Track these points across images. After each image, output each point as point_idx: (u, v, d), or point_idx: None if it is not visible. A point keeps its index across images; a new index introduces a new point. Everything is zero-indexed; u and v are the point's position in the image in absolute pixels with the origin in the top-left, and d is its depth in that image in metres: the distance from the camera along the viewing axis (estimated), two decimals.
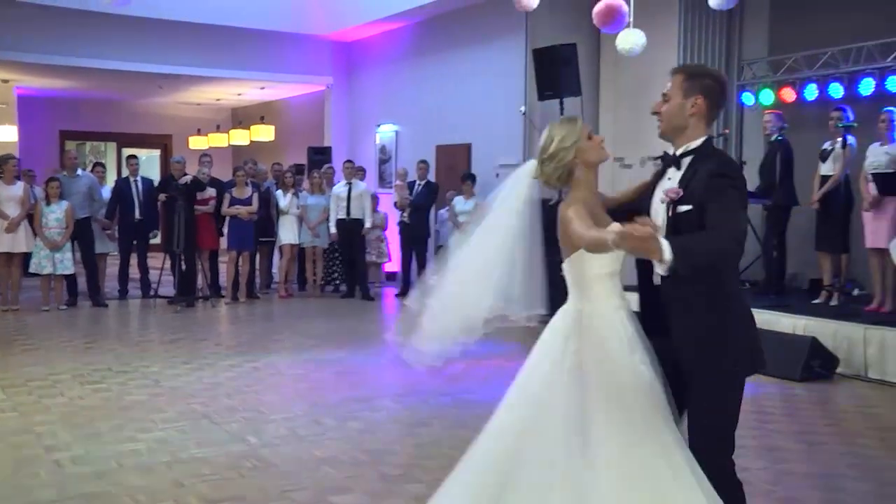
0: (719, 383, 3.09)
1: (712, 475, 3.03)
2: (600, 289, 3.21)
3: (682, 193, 3.07)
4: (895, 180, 7.79)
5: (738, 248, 2.99)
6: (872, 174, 7.97)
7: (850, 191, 8.43)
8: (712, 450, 3.09)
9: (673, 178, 3.15)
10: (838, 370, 7.40)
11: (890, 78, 8.68)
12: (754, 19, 10.36)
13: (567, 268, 3.27)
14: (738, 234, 2.97)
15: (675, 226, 3.07)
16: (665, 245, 2.80)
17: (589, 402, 3.17)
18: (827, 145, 8.62)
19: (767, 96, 9.96)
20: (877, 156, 8.10)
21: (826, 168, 8.57)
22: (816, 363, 7.25)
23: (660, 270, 2.92)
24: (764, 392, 6.75)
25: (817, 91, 9.38)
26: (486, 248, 3.31)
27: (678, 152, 3.17)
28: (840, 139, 8.29)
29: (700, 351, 3.07)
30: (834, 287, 8.57)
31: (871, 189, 8.02)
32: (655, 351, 3.17)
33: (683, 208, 3.06)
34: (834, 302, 8.46)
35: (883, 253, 7.96)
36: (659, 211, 3.16)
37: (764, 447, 5.30)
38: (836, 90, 9.18)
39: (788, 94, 9.79)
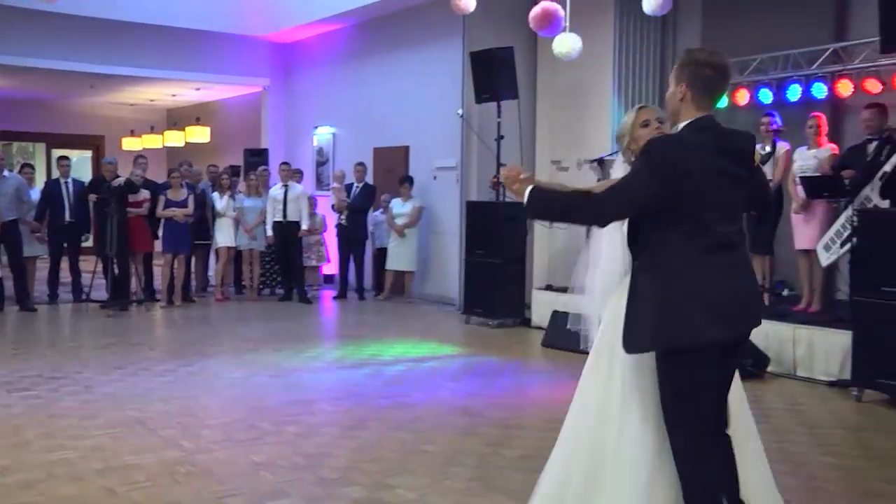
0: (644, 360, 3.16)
1: (676, 459, 3.08)
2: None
3: None
4: (822, 183, 8.00)
5: (596, 209, 3.09)
6: (801, 177, 8.18)
7: (780, 194, 8.63)
8: (670, 435, 3.09)
9: None
10: (769, 369, 7.58)
11: (815, 84, 8.93)
12: (687, 25, 10.52)
13: None
14: (611, 200, 3.07)
15: None
16: (527, 189, 3.08)
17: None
18: (758, 148, 8.80)
19: None
20: (805, 159, 8.32)
21: None
22: (749, 362, 7.39)
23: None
24: None
25: (748, 96, 9.59)
26: (609, 238, 3.58)
27: None
28: (770, 143, 8.50)
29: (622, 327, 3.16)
30: (764, 288, 8.77)
31: (800, 192, 8.23)
32: None
33: None
34: (764, 302, 8.67)
35: (811, 254, 8.17)
36: None
37: None
38: (766, 95, 9.40)
39: (720, 99, 9.97)
